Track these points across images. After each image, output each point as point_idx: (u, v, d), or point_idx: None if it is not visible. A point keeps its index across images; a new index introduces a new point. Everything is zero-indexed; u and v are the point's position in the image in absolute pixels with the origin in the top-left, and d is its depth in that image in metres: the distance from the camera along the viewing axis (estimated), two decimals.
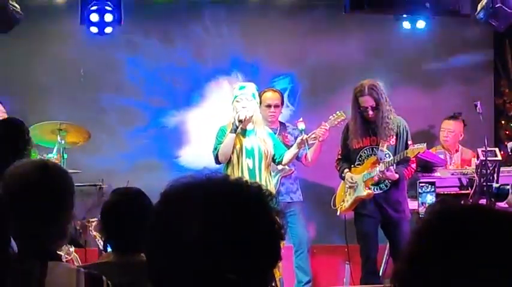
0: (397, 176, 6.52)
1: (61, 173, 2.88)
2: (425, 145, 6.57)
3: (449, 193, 7.23)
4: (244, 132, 6.70)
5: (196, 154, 8.67)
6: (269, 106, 7.59)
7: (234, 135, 6.60)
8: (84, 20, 7.71)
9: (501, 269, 1.36)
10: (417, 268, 1.42)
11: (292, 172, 7.66)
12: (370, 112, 6.50)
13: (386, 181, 6.56)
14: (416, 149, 6.49)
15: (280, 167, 7.33)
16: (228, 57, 9.14)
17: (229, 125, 6.68)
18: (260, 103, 7.36)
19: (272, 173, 7.16)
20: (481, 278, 1.35)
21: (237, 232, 1.50)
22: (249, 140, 6.66)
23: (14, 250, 2.26)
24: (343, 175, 6.78)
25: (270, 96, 7.66)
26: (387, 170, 6.47)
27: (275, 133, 7.32)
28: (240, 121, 6.58)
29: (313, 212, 8.18)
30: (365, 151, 6.64)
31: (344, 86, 7.97)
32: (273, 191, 6.57)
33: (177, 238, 1.51)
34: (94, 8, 7.57)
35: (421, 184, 6.94)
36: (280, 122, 7.83)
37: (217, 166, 6.88)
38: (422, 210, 6.77)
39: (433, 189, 6.83)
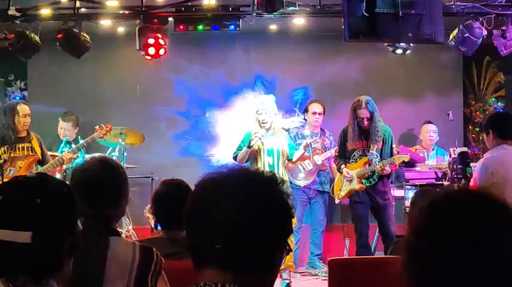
0: (389, 170, 6.64)
1: (117, 166, 2.91)
2: (408, 155, 6.74)
3: (427, 183, 7.19)
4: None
5: (226, 153, 8.66)
6: (314, 113, 7.80)
7: (249, 150, 6.52)
8: (141, 48, 7.72)
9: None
10: (425, 240, 1.37)
11: (327, 168, 7.83)
12: (366, 122, 6.54)
13: (375, 176, 6.63)
14: (401, 157, 6.61)
15: (319, 162, 7.59)
16: (253, 75, 9.14)
17: (253, 131, 6.61)
18: (307, 111, 7.82)
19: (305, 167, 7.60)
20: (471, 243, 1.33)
21: (257, 212, 1.48)
22: (269, 142, 6.63)
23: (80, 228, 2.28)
24: (340, 169, 6.84)
25: (316, 106, 7.87)
26: (383, 170, 6.57)
27: (316, 136, 7.52)
28: (252, 140, 6.50)
29: None
30: (357, 152, 6.71)
31: (344, 99, 7.96)
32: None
33: (207, 218, 1.49)
34: (149, 38, 7.58)
35: (406, 185, 7.16)
36: (321, 128, 7.94)
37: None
38: (407, 203, 6.89)
39: (415, 188, 6.94)
